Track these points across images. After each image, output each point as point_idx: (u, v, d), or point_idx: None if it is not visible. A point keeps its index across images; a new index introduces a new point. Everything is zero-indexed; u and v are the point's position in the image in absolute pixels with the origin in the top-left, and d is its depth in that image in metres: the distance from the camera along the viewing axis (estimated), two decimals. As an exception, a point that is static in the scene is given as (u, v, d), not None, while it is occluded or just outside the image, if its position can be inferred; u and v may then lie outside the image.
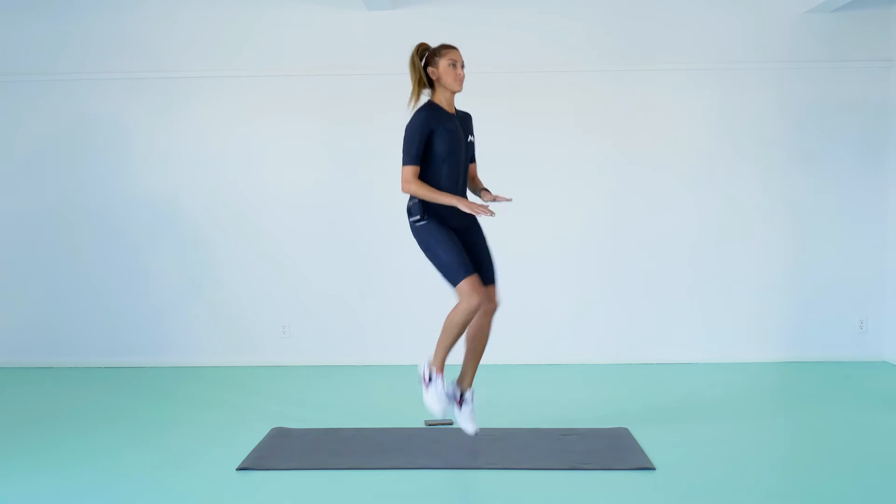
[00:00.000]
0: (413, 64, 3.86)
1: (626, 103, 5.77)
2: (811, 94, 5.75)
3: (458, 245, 3.81)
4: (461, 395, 3.99)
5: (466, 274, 3.75)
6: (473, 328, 3.95)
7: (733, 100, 5.76)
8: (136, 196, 5.88)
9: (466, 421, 3.97)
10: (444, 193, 3.77)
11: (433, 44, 3.93)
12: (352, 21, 5.77)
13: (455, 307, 3.81)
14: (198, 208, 5.87)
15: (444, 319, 3.87)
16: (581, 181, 5.80)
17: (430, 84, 3.89)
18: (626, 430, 4.18)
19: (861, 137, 5.76)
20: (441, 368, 3.91)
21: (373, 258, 5.86)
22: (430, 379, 3.90)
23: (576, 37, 5.76)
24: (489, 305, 3.93)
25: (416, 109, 3.84)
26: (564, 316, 5.86)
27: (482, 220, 4.02)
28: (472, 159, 4.08)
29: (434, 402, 3.88)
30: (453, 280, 3.78)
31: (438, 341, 3.89)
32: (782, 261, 5.82)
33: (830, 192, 5.79)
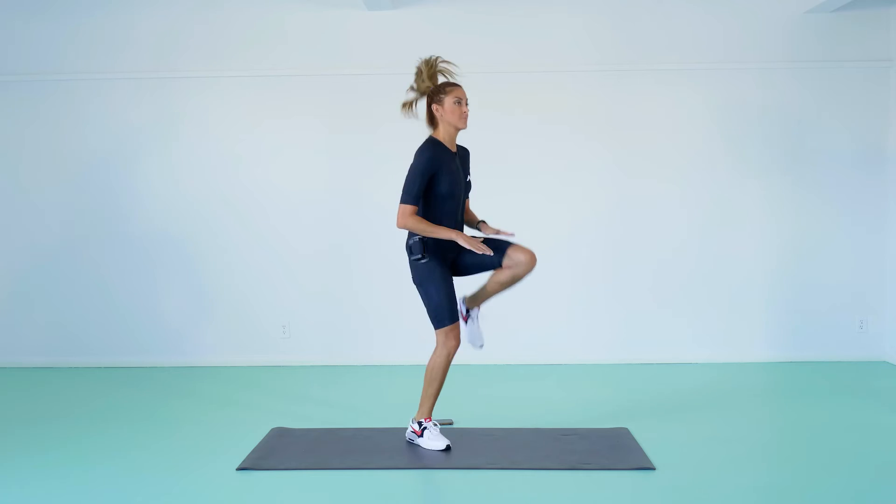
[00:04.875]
0: (419, 89, 3.91)
1: (624, 103, 5.77)
2: (811, 95, 5.75)
3: (451, 289, 3.89)
4: (467, 312, 4.07)
5: (451, 321, 3.87)
6: (507, 275, 3.90)
7: (732, 100, 5.76)
8: (140, 196, 5.88)
9: (473, 336, 4.09)
10: (442, 228, 3.80)
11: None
12: (352, 21, 5.77)
13: (434, 354, 3.91)
14: (200, 208, 5.87)
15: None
16: (580, 181, 5.80)
17: (433, 122, 3.92)
18: (626, 430, 4.18)
19: (861, 137, 5.76)
20: (429, 416, 3.97)
21: (373, 258, 5.86)
22: (420, 428, 3.96)
23: (574, 37, 5.76)
24: (531, 263, 3.85)
25: (420, 147, 3.86)
26: (564, 316, 5.86)
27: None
28: (466, 196, 4.12)
29: (434, 443, 3.92)
30: (438, 322, 3.88)
31: (423, 393, 3.97)
32: (783, 261, 5.82)
33: (830, 192, 5.79)
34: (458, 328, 3.90)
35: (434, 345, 3.99)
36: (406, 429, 4.10)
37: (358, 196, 5.84)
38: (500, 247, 3.90)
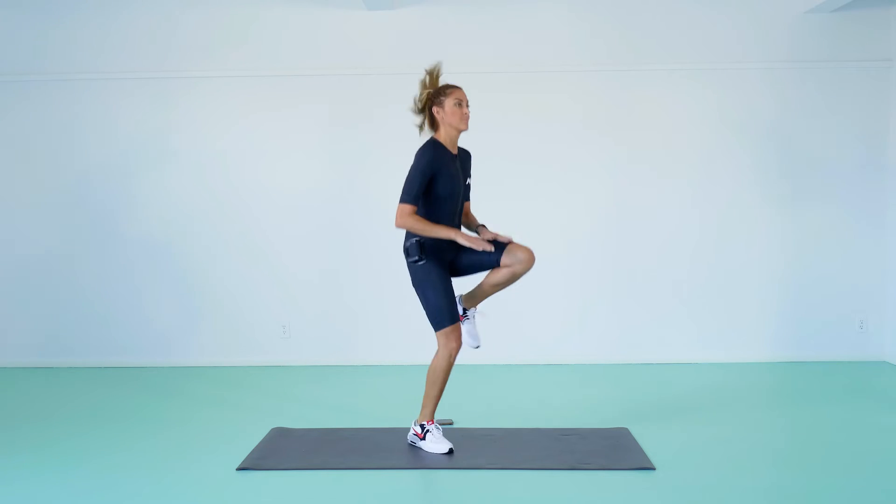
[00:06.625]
0: (421, 100, 3.89)
1: (626, 103, 5.77)
2: (811, 94, 5.75)
3: (450, 290, 3.88)
4: (464, 312, 4.05)
5: (451, 322, 3.85)
6: (505, 274, 3.87)
7: (733, 100, 5.76)
8: (135, 196, 5.88)
9: (468, 336, 4.06)
10: (441, 227, 3.79)
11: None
12: (352, 21, 5.77)
13: (435, 356, 3.90)
14: (197, 208, 5.87)
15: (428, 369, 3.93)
16: (581, 182, 5.80)
17: (433, 124, 3.90)
18: (626, 430, 4.18)
19: (861, 137, 5.76)
20: (431, 419, 3.96)
21: (372, 258, 5.86)
22: (423, 432, 3.95)
23: (576, 37, 5.76)
24: (530, 260, 3.82)
25: (421, 148, 3.84)
26: (565, 316, 5.86)
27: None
28: (467, 198, 4.12)
29: (437, 446, 3.90)
30: (437, 324, 3.86)
31: (425, 395, 3.95)
32: (782, 261, 5.82)
33: (830, 192, 5.79)
34: (458, 329, 3.89)
35: (435, 347, 3.98)
36: (408, 430, 4.10)
37: (358, 196, 5.84)
38: (497, 245, 3.88)
